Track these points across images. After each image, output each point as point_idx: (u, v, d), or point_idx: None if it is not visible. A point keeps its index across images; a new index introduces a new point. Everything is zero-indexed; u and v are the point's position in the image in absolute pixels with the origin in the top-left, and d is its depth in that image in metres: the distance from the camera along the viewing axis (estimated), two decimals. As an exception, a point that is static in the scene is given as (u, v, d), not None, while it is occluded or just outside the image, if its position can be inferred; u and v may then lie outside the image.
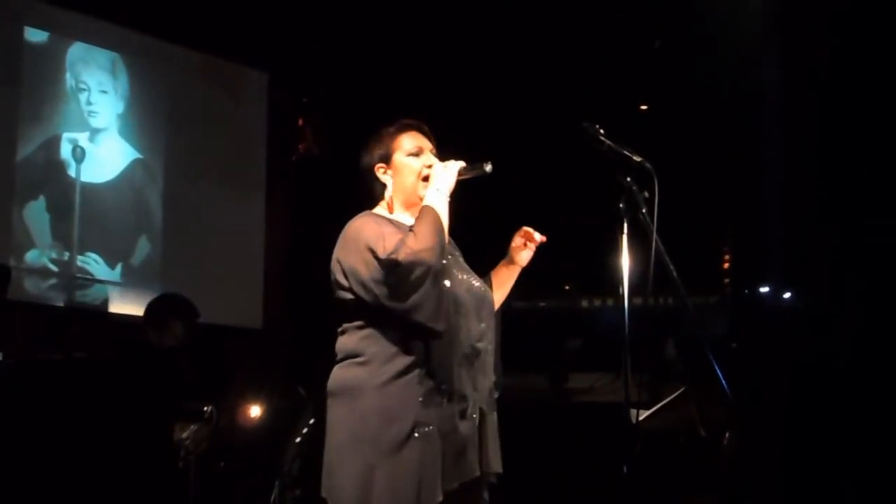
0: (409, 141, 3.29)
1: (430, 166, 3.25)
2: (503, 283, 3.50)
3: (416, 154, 3.27)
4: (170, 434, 4.89)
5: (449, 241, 3.30)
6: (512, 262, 3.49)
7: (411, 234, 3.02)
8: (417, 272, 2.95)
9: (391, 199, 3.29)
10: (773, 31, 6.57)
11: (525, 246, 3.48)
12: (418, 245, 2.98)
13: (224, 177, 7.44)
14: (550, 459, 5.69)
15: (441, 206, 3.13)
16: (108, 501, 4.65)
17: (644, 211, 3.24)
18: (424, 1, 7.08)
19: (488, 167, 3.23)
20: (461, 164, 3.23)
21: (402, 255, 2.95)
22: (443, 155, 3.32)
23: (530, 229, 3.46)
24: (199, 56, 7.40)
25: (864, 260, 6.10)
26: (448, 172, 3.20)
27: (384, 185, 3.29)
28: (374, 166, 3.29)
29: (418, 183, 3.25)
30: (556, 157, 6.46)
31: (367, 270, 3.03)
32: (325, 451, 3.12)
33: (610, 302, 6.26)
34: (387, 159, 3.28)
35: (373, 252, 3.01)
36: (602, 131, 3.34)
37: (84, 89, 6.78)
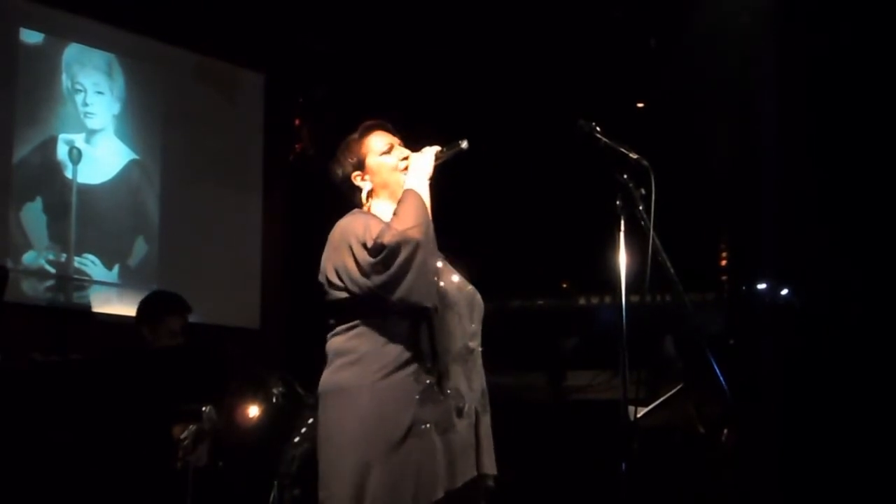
0: (377, 141, 3.36)
1: (405, 158, 3.31)
2: None
3: (388, 151, 3.34)
4: (168, 434, 4.89)
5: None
6: None
7: (394, 216, 3.06)
8: (405, 251, 2.97)
9: (371, 202, 3.34)
10: (769, 29, 6.57)
11: None
12: (402, 225, 3.00)
13: (221, 177, 7.43)
14: (548, 457, 5.69)
15: (421, 187, 3.18)
16: (106, 502, 4.66)
17: (641, 208, 3.25)
18: (421, 0, 7.09)
19: (464, 144, 3.27)
20: (436, 148, 3.29)
21: (387, 238, 2.98)
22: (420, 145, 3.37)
23: None
24: (195, 57, 7.39)
25: (862, 256, 6.11)
26: (425, 158, 3.26)
27: (367, 191, 3.34)
28: (350, 176, 3.36)
29: (399, 176, 3.31)
30: (554, 154, 6.47)
31: (357, 263, 3.04)
32: (319, 455, 3.11)
33: (607, 299, 6.27)
34: (361, 166, 3.35)
35: (362, 244, 3.03)
36: (599, 129, 3.35)
37: (80, 90, 6.77)
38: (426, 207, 3.12)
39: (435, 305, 3.04)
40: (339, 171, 3.37)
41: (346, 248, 3.09)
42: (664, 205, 3.22)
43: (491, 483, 3.20)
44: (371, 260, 3.00)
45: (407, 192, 3.15)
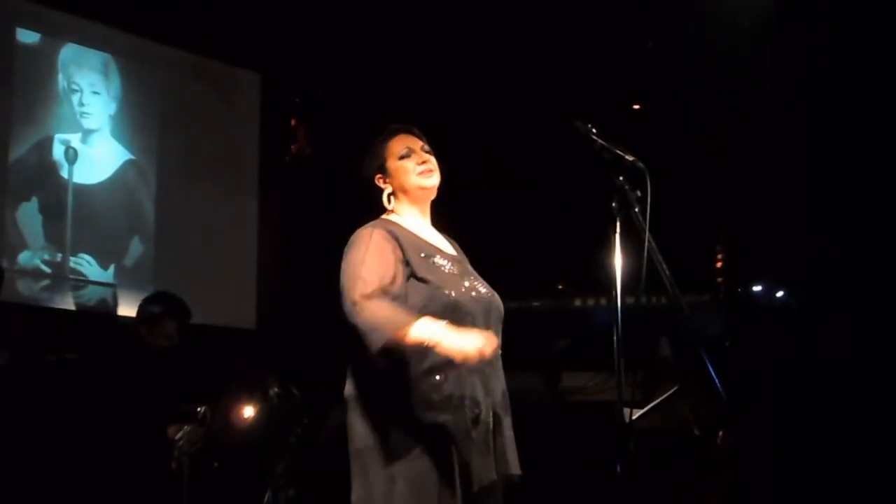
0: (398, 145, 3.37)
1: (424, 162, 3.32)
2: None
3: (408, 155, 3.34)
4: (164, 434, 4.89)
5: (456, 248, 3.38)
6: None
7: (388, 309, 3.01)
8: (366, 330, 2.98)
9: (395, 205, 3.36)
10: (767, 30, 6.57)
11: None
12: (374, 320, 2.98)
13: (217, 177, 7.43)
14: (543, 459, 5.68)
15: (421, 333, 2.96)
16: (102, 502, 4.65)
17: (637, 210, 3.24)
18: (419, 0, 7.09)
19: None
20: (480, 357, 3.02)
21: (357, 312, 2.99)
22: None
23: None
24: (191, 57, 7.39)
25: (858, 259, 6.11)
26: (466, 344, 2.99)
27: (388, 193, 3.36)
28: (373, 178, 3.38)
29: (417, 179, 3.32)
30: (549, 155, 6.46)
31: (349, 291, 3.07)
32: (350, 456, 3.16)
33: (603, 301, 6.25)
34: (382, 168, 3.36)
35: (353, 282, 3.05)
36: (595, 130, 3.34)
37: (76, 90, 6.77)
38: (405, 335, 2.96)
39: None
40: (364, 173, 3.40)
41: (344, 276, 3.11)
42: (660, 206, 3.22)
43: (516, 479, 3.23)
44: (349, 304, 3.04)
45: (418, 326, 2.97)
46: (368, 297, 3.01)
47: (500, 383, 3.24)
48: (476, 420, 3.10)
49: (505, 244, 6.83)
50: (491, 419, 3.15)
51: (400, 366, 3.06)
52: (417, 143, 3.38)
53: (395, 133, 3.40)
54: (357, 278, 3.05)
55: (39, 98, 6.59)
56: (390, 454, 3.04)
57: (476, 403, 3.11)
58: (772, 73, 6.63)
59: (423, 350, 3.03)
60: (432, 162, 3.36)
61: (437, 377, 3.06)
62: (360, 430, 3.12)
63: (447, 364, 3.05)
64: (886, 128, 6.09)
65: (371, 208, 3.40)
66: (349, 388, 3.18)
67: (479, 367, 3.13)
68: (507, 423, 3.23)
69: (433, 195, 3.39)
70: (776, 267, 6.51)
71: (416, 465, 3.02)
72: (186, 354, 5.26)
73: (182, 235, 7.20)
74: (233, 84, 7.67)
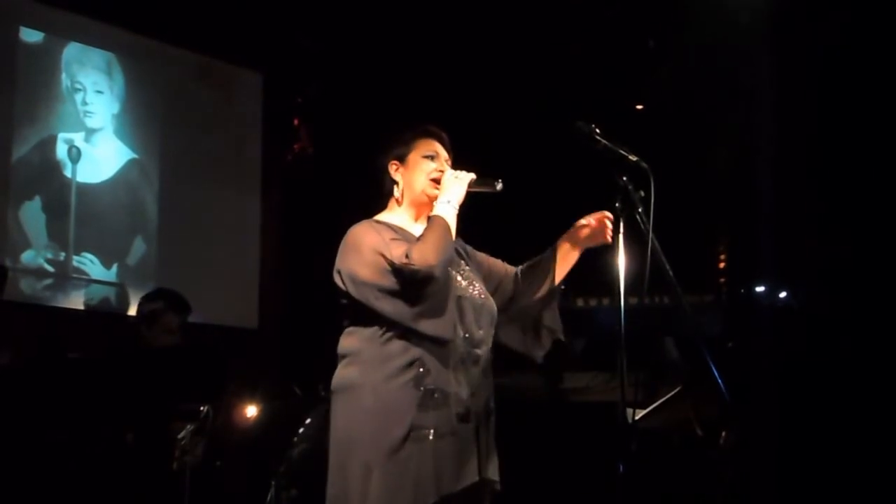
0: (428, 145, 3.40)
1: (441, 171, 3.32)
2: (561, 264, 3.54)
3: (432, 158, 3.36)
4: (166, 434, 4.89)
5: (459, 245, 3.37)
6: (574, 242, 3.48)
7: (421, 244, 3.08)
8: (423, 284, 3.03)
9: (400, 197, 3.37)
10: (767, 30, 6.57)
11: (592, 230, 3.43)
12: (426, 257, 3.04)
13: (219, 176, 7.43)
14: (546, 459, 5.68)
15: (450, 217, 3.20)
16: (104, 501, 4.65)
17: (640, 210, 3.24)
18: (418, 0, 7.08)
19: (499, 185, 3.30)
20: (472, 176, 3.30)
21: (407, 266, 3.00)
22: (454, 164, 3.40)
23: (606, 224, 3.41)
24: (193, 56, 7.40)
25: (860, 259, 6.10)
26: (459, 183, 3.28)
27: (395, 183, 3.38)
28: (388, 163, 3.39)
29: (427, 184, 3.34)
30: (552, 156, 6.46)
31: (369, 274, 3.09)
32: (330, 452, 3.17)
33: (606, 301, 6.25)
34: (402, 158, 3.39)
35: (382, 255, 3.05)
36: (598, 130, 3.35)
37: (79, 89, 6.77)
38: (451, 241, 3.16)
39: (443, 337, 3.07)
40: (382, 155, 3.41)
41: (358, 256, 3.14)
42: (663, 207, 3.22)
43: (497, 488, 3.24)
44: (388, 279, 3.06)
45: (437, 219, 3.18)
46: (407, 249, 3.07)
47: (486, 391, 3.26)
48: (461, 417, 3.11)
49: (507, 244, 6.82)
50: (475, 421, 3.16)
51: (385, 358, 3.09)
52: (444, 154, 3.41)
53: (429, 134, 3.43)
54: (386, 247, 3.11)
55: (42, 97, 6.59)
56: (370, 446, 3.04)
57: (460, 401, 3.12)
58: (772, 73, 6.63)
59: (408, 345, 3.07)
60: None
61: (420, 369, 3.08)
62: (342, 420, 3.14)
63: (432, 360, 3.08)
64: (887, 127, 6.09)
65: (372, 195, 3.41)
66: (334, 380, 3.20)
67: (465, 365, 3.15)
68: (490, 426, 3.25)
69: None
70: (777, 267, 6.52)
71: (395, 459, 3.02)
72: (188, 354, 5.25)
73: (184, 234, 7.21)
74: (235, 83, 7.67)
